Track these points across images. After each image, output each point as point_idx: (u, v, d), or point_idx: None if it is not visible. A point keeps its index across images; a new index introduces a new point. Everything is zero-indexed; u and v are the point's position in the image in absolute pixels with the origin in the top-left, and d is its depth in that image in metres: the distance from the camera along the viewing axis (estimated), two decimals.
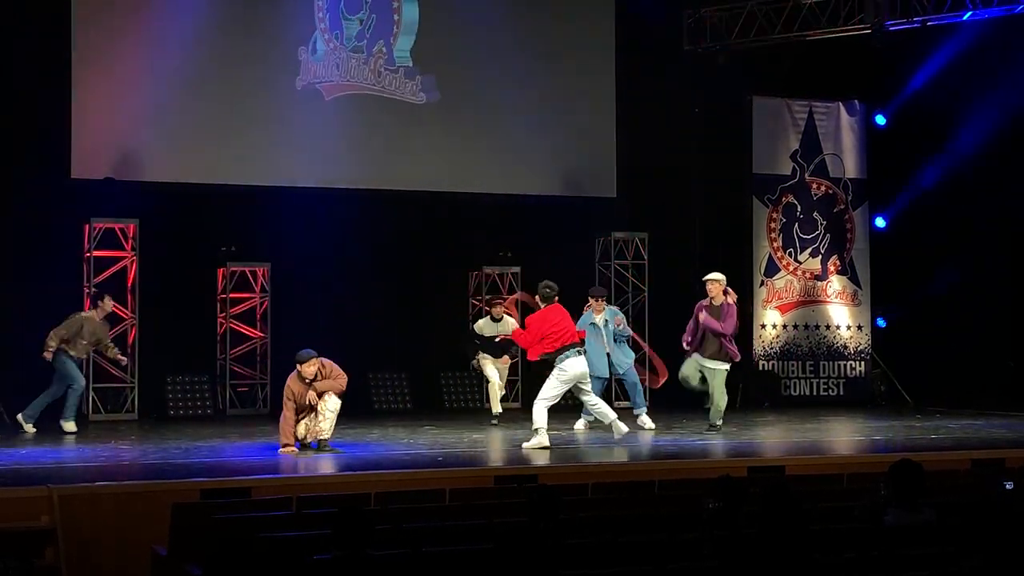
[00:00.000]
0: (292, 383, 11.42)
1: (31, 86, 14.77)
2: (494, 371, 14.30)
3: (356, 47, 16.22)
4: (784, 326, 17.58)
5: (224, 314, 15.64)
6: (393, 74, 16.38)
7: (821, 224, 17.82)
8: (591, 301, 13.68)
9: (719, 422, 13.01)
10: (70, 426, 13.04)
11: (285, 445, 11.28)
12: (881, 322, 18.06)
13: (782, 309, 17.60)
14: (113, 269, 14.81)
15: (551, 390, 11.83)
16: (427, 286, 16.34)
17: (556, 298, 12.04)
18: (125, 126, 15.12)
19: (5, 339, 14.34)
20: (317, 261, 15.74)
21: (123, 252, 14.89)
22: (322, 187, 15.90)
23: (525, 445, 11.54)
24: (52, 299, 14.76)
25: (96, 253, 14.79)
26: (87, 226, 14.81)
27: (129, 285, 14.87)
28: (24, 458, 10.90)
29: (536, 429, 11.59)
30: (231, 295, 15.64)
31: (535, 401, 11.86)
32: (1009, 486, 7.96)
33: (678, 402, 15.64)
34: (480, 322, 14.54)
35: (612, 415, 12.20)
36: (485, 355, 14.24)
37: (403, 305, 16.07)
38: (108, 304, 13.64)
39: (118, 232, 14.87)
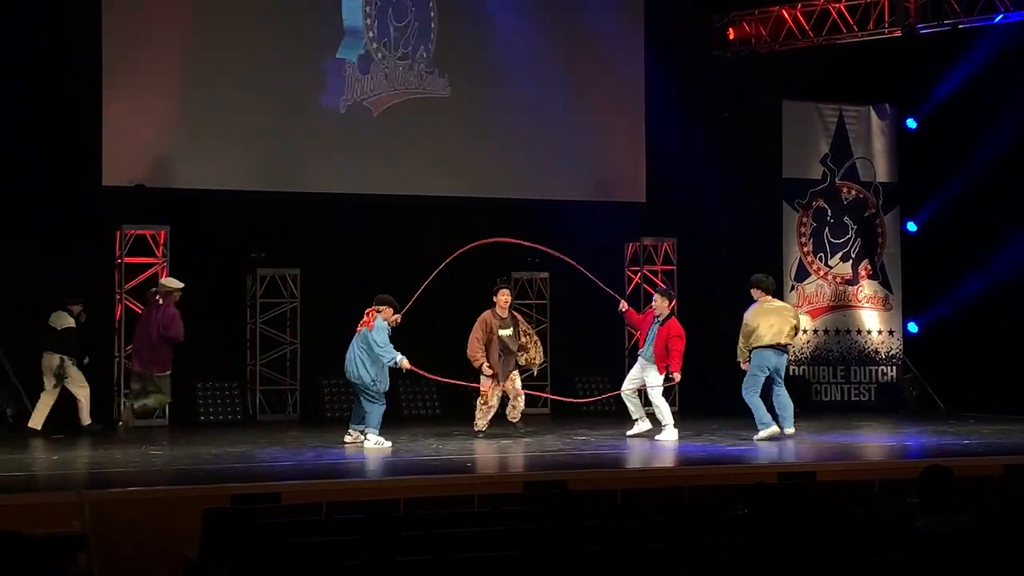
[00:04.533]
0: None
1: (63, 95, 14.86)
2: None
3: (387, 55, 16.26)
4: (815, 331, 17.49)
5: (254, 320, 15.69)
6: (421, 80, 16.41)
7: (852, 228, 17.74)
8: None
9: None
10: None
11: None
12: (913, 327, 17.95)
13: (812, 314, 17.52)
14: (144, 275, 14.89)
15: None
16: (456, 291, 16.32)
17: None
18: (156, 133, 15.19)
19: (37, 346, 14.41)
20: (347, 266, 15.78)
21: (154, 258, 14.96)
22: (352, 193, 15.93)
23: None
24: (84, 305, 14.87)
25: (127, 259, 14.87)
26: (118, 232, 14.90)
27: None
28: (56, 464, 10.97)
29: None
30: (261, 300, 15.69)
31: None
32: None
33: (709, 408, 15.62)
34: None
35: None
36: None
37: (432, 310, 16.06)
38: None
39: (149, 238, 14.95)
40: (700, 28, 17.44)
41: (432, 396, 16.28)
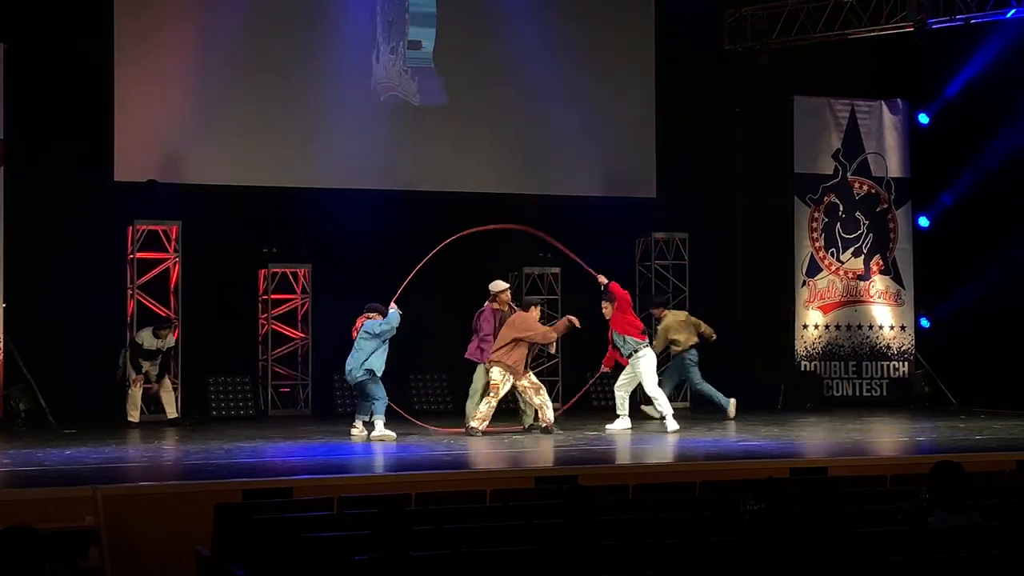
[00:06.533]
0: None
1: (74, 90, 14.90)
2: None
3: (395, 51, 16.26)
4: (826, 326, 17.46)
5: (265, 315, 15.72)
6: (432, 75, 16.40)
7: (863, 224, 17.70)
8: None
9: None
10: None
11: None
12: (925, 322, 17.92)
13: (824, 309, 17.49)
14: (156, 271, 14.92)
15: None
16: (467, 287, 16.33)
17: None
18: (168, 129, 15.22)
19: (50, 341, 14.47)
20: (358, 262, 15.79)
21: (166, 254, 14.99)
22: (362, 189, 15.94)
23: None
24: (96, 301, 14.92)
25: (139, 255, 14.90)
26: (130, 228, 14.93)
27: (172, 287, 14.97)
28: (69, 459, 11.00)
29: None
30: (272, 296, 15.71)
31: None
32: None
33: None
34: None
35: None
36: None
37: (443, 306, 16.07)
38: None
39: (161, 234, 14.98)
40: (711, 22, 17.42)
41: (443, 390, 16.29)
